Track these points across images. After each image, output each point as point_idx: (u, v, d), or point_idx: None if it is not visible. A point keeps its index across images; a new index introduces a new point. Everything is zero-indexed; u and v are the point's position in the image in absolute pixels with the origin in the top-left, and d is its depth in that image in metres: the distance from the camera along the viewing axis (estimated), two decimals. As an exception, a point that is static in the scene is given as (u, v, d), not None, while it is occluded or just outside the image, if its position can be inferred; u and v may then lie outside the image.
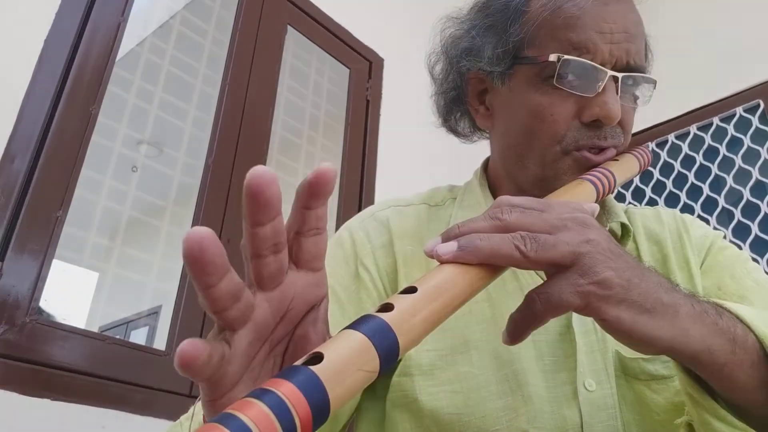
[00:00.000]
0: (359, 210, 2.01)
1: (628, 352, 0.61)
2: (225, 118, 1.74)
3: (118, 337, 1.73)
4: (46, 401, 1.17)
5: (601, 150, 0.64)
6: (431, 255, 0.41)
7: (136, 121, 1.71)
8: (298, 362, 0.30)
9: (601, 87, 0.61)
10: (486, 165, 0.78)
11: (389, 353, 0.32)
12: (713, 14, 2.49)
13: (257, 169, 0.31)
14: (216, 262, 0.30)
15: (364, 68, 2.29)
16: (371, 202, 2.10)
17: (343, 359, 0.30)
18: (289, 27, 2.06)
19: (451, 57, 0.72)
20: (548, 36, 0.63)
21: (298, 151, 2.20)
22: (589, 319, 0.62)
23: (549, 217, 0.43)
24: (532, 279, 0.65)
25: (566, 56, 0.61)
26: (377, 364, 0.31)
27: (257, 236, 0.32)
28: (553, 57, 0.61)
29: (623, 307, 0.41)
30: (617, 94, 0.62)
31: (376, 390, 0.67)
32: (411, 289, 0.36)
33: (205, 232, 0.29)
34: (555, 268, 0.41)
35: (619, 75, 0.62)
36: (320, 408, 0.28)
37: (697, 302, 0.45)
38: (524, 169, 0.66)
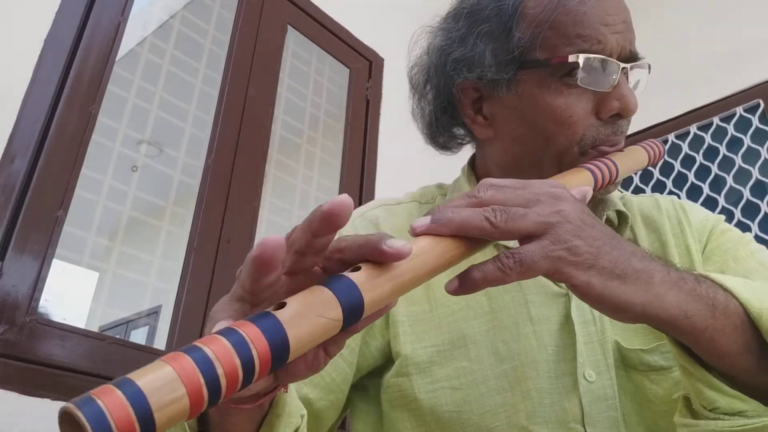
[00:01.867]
0: (359, 210, 2.01)
1: (628, 341, 0.61)
2: (225, 118, 1.74)
3: (118, 336, 1.73)
4: (46, 401, 1.17)
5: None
6: (410, 232, 0.42)
7: (136, 121, 1.71)
8: (266, 310, 0.33)
9: (616, 80, 0.61)
10: (472, 162, 0.77)
11: (352, 306, 0.35)
12: (713, 14, 2.48)
13: (343, 199, 0.34)
14: (275, 267, 0.34)
15: (364, 68, 2.29)
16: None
17: (304, 306, 0.33)
18: (289, 27, 2.06)
19: (439, 69, 0.69)
20: (556, 35, 0.61)
21: (298, 151, 2.20)
22: (588, 309, 0.62)
23: (523, 193, 0.44)
24: None
25: (587, 54, 0.60)
26: (339, 313, 0.34)
27: (313, 243, 0.35)
28: (572, 57, 0.60)
29: (593, 272, 0.42)
30: (628, 84, 0.63)
31: (369, 391, 0.67)
32: None
33: (278, 242, 0.33)
34: (528, 240, 0.42)
35: (628, 65, 0.62)
36: (279, 346, 0.31)
37: (674, 270, 0.46)
38: (540, 172, 0.64)
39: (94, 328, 1.68)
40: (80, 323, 1.87)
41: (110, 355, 1.31)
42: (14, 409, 1.13)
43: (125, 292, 1.81)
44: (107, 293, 1.73)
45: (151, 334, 2.61)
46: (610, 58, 0.61)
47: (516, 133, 0.66)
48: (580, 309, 0.63)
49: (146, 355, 1.40)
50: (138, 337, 2.73)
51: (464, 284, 0.42)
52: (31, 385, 1.16)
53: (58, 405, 1.20)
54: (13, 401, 1.13)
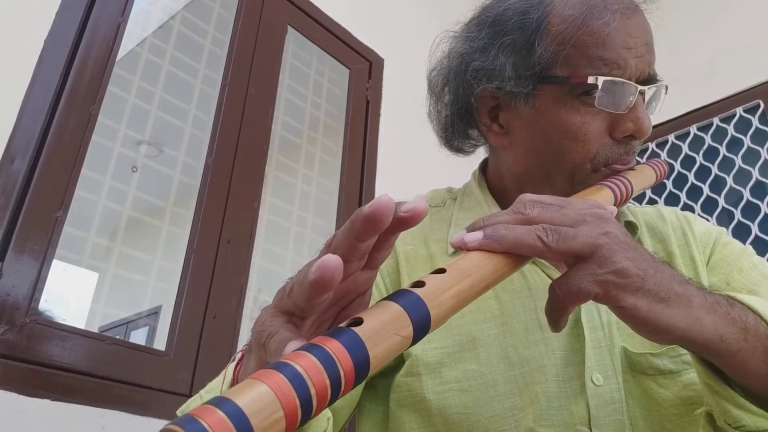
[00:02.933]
0: (359, 210, 2.01)
1: (635, 348, 0.62)
2: (225, 118, 1.74)
3: (118, 337, 1.72)
4: (46, 401, 1.17)
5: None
6: (458, 245, 0.43)
7: (136, 121, 1.71)
8: (342, 324, 0.33)
9: (632, 102, 0.62)
10: (483, 168, 0.78)
11: (421, 323, 0.35)
12: (713, 14, 2.49)
13: (384, 200, 0.33)
14: (334, 287, 0.33)
15: (364, 68, 2.29)
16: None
17: (381, 323, 0.33)
18: (289, 27, 2.06)
19: (459, 75, 0.69)
20: (578, 54, 0.61)
21: (298, 151, 2.20)
22: (597, 315, 0.63)
23: (569, 212, 0.45)
24: (539, 277, 0.66)
25: (606, 77, 0.60)
26: (411, 331, 0.34)
27: (355, 247, 0.35)
28: (591, 79, 0.60)
29: (639, 296, 0.43)
30: (644, 106, 0.63)
31: (378, 390, 0.67)
32: (440, 270, 0.38)
33: (336, 263, 0.32)
34: (575, 259, 0.43)
35: (646, 88, 0.63)
36: (361, 364, 0.31)
37: (709, 294, 0.47)
38: (551, 185, 0.66)
39: (94, 329, 1.68)
40: (80, 324, 1.87)
41: (110, 355, 1.31)
42: (14, 409, 1.13)
43: (125, 293, 1.81)
44: (107, 293, 1.73)
45: (151, 335, 2.62)
46: (628, 81, 0.61)
47: (530, 145, 0.67)
48: (589, 314, 0.63)
49: (146, 355, 1.40)
50: (138, 337, 2.73)
51: (552, 324, 0.45)
52: (31, 386, 1.16)
53: (58, 405, 1.20)
54: (13, 401, 1.13)
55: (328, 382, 0.29)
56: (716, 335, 0.45)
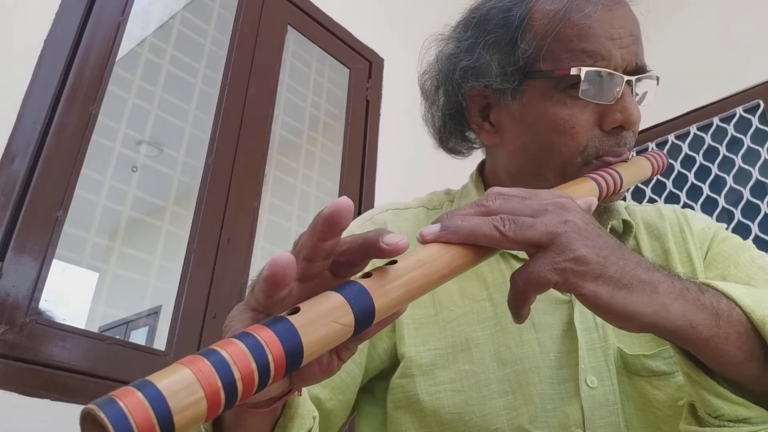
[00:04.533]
0: (359, 210, 2.01)
1: (630, 349, 0.62)
2: (225, 118, 1.74)
3: (118, 337, 1.72)
4: (46, 401, 1.17)
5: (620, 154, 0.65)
6: (419, 239, 0.43)
7: (136, 121, 1.71)
8: (280, 314, 0.34)
9: (620, 93, 0.62)
10: (481, 169, 0.78)
11: (364, 311, 0.35)
12: (713, 14, 2.49)
13: (343, 201, 0.35)
14: (287, 284, 0.34)
15: (364, 68, 2.29)
16: (371, 202, 2.10)
17: (319, 312, 0.34)
18: (289, 27, 2.06)
19: (448, 76, 0.70)
20: (560, 48, 0.62)
21: (298, 151, 2.19)
22: (591, 316, 0.63)
23: (531, 203, 0.45)
24: None
25: (589, 68, 0.60)
26: (351, 319, 0.34)
27: (318, 247, 0.36)
28: (575, 70, 0.60)
29: (600, 282, 0.42)
30: (632, 96, 0.63)
31: (375, 393, 0.68)
32: (392, 262, 0.39)
33: (288, 260, 0.33)
34: (535, 249, 0.43)
35: (633, 78, 0.63)
36: (293, 350, 0.32)
37: (678, 280, 0.46)
38: (544, 181, 0.65)
39: (94, 329, 1.68)
40: (80, 323, 1.88)
41: (110, 355, 1.31)
42: (14, 409, 1.13)
43: (125, 293, 1.81)
44: (107, 293, 1.72)
45: (151, 335, 2.61)
46: (613, 72, 0.61)
47: (520, 141, 0.67)
48: (583, 316, 0.63)
49: (146, 355, 1.40)
50: (138, 337, 2.73)
51: (515, 315, 0.45)
52: (31, 386, 1.16)
53: (58, 405, 1.20)
54: (13, 401, 1.13)
55: (254, 366, 0.30)
56: (685, 321, 0.44)
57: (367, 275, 0.37)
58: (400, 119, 2.27)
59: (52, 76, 1.39)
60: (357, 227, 0.72)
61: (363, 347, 0.64)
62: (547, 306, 0.64)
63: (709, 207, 2.27)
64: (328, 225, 0.34)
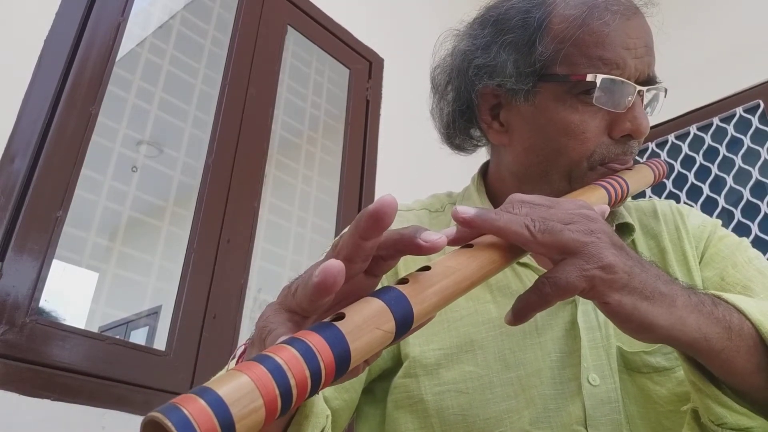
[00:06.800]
0: (359, 210, 2.01)
1: (630, 347, 0.62)
2: (225, 118, 1.74)
3: (118, 337, 1.72)
4: (46, 401, 1.17)
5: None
6: (454, 216, 0.44)
7: (136, 121, 1.71)
8: (326, 320, 0.34)
9: (631, 102, 0.62)
10: (484, 172, 0.78)
11: (404, 318, 0.36)
12: (713, 14, 2.48)
13: (387, 198, 0.34)
14: (336, 290, 0.34)
15: (364, 68, 2.29)
16: (371, 202, 2.09)
17: (363, 318, 0.34)
18: (289, 27, 2.06)
19: (461, 72, 0.70)
20: (578, 53, 0.62)
21: (298, 151, 2.19)
22: (594, 315, 0.63)
23: (556, 212, 0.45)
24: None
25: (604, 75, 0.61)
26: (393, 325, 0.35)
27: (360, 246, 0.36)
28: (590, 77, 0.61)
29: (625, 293, 0.43)
30: (642, 106, 0.64)
31: (376, 393, 0.68)
32: (426, 268, 0.39)
33: (339, 268, 0.33)
34: (561, 255, 0.44)
35: (644, 89, 0.63)
36: (342, 356, 0.32)
37: (693, 294, 0.48)
38: (549, 184, 0.66)
39: (94, 329, 1.68)
40: (80, 324, 1.88)
41: (110, 355, 1.31)
42: (14, 409, 1.13)
43: (125, 293, 1.81)
44: (107, 293, 1.73)
45: (151, 335, 2.61)
46: (627, 81, 0.62)
47: (529, 143, 0.67)
48: (586, 315, 0.64)
49: (146, 355, 1.40)
50: (138, 337, 2.72)
51: (516, 315, 0.44)
52: (31, 386, 1.16)
53: (58, 405, 1.20)
54: (13, 401, 1.13)
55: (308, 373, 0.30)
56: (700, 334, 0.45)
57: (403, 281, 0.37)
58: (400, 119, 2.27)
59: (52, 76, 1.39)
60: None
61: None
62: (550, 308, 0.65)
63: (709, 207, 2.27)
64: (373, 221, 0.34)
